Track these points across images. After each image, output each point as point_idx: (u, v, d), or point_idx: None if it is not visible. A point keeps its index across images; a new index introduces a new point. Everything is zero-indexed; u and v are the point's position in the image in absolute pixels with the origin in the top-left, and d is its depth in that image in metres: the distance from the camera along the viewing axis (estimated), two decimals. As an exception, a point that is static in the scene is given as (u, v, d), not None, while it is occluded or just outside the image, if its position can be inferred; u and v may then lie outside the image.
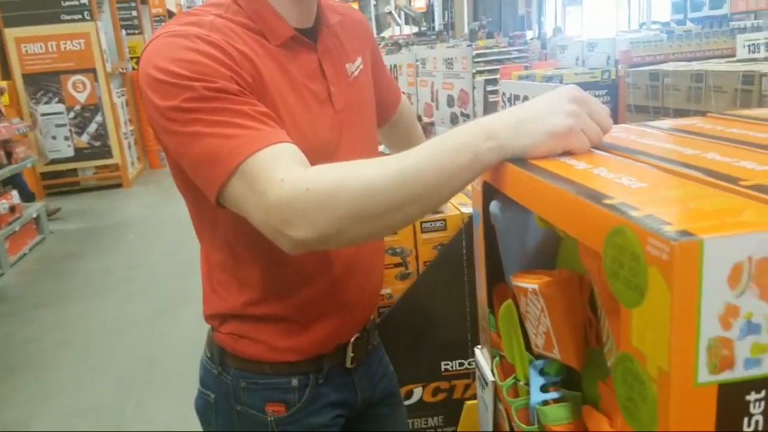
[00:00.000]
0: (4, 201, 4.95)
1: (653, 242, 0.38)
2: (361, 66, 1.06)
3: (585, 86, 2.93)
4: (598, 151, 0.63)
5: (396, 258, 1.38)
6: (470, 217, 1.31)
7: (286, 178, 0.71)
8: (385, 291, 1.38)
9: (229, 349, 1.01)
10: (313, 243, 0.71)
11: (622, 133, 0.72)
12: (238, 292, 0.98)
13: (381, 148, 1.48)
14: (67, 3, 6.91)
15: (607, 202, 0.45)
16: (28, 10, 6.79)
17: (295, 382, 1.00)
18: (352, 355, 1.05)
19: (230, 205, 0.78)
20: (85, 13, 6.97)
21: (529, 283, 0.58)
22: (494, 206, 0.68)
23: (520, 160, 0.62)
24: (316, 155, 0.77)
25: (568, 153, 0.63)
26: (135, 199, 7.10)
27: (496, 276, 0.73)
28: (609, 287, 0.44)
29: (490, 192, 0.70)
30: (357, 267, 1.03)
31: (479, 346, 0.81)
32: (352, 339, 1.05)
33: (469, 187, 0.71)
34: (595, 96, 2.29)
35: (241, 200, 0.76)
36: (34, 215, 5.49)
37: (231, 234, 0.95)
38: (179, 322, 3.54)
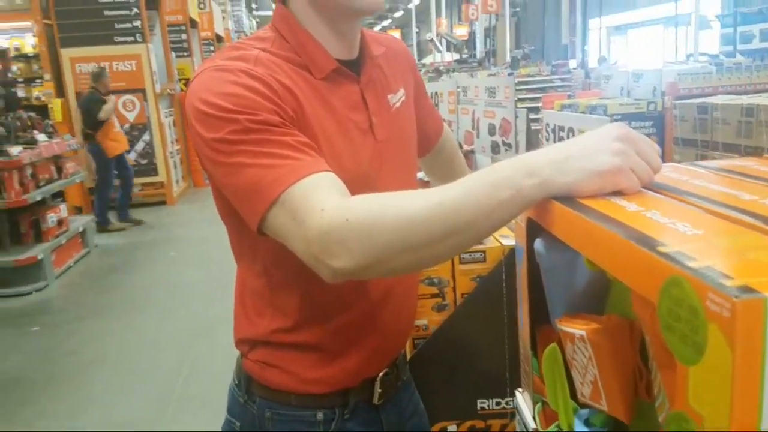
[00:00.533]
0: (52, 214, 5.11)
1: (713, 297, 0.36)
2: (404, 97, 1.06)
3: (630, 117, 2.89)
4: (649, 192, 0.61)
5: (433, 288, 1.37)
6: (511, 250, 1.29)
7: (326, 207, 0.71)
8: (421, 322, 1.36)
9: (255, 377, 1.01)
10: (353, 272, 0.71)
11: (673, 173, 0.69)
12: (270, 318, 0.99)
13: (420, 175, 1.47)
14: (121, 26, 7.18)
15: (662, 249, 0.43)
16: (84, 32, 7.08)
17: (320, 415, 0.99)
18: (380, 391, 1.03)
19: (272, 233, 0.79)
20: (137, 35, 7.23)
21: (576, 328, 0.56)
22: (539, 244, 0.66)
23: (567, 198, 0.61)
24: (357, 185, 0.78)
25: (617, 193, 0.61)
26: (178, 217, 7.25)
27: (540, 316, 0.70)
28: (663, 339, 0.42)
29: (534, 228, 0.68)
30: (390, 297, 1.02)
31: (520, 389, 0.78)
32: (381, 374, 1.03)
33: (512, 221, 0.70)
34: (640, 128, 2.25)
35: (283, 229, 0.76)
36: (81, 229, 5.65)
37: (269, 261, 0.96)
38: (216, 341, 3.57)
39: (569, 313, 0.62)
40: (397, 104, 1.04)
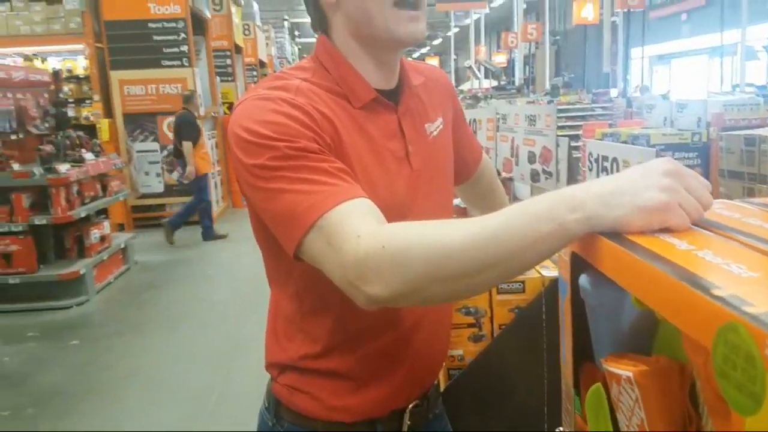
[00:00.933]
0: (95, 231, 5.24)
1: (774, 346, 0.35)
2: (441, 125, 1.07)
3: (674, 148, 2.83)
4: (700, 230, 0.60)
5: (469, 318, 1.35)
6: (552, 281, 1.27)
7: (362, 233, 0.72)
8: (456, 352, 1.34)
9: (284, 402, 1.01)
10: (388, 300, 0.71)
11: (724, 211, 0.67)
12: (300, 343, 0.99)
13: (456, 201, 1.46)
14: (169, 50, 7.41)
15: (717, 293, 0.41)
16: (133, 55, 7.33)
17: None
18: (408, 423, 1.02)
19: (308, 259, 0.80)
20: (184, 60, 7.44)
21: (622, 369, 0.54)
22: (584, 280, 0.65)
23: (615, 234, 0.60)
24: (391, 214, 0.78)
25: (665, 230, 0.59)
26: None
27: (584, 353, 0.69)
28: (717, 386, 0.40)
29: (578, 263, 0.67)
30: (422, 327, 1.01)
31: (560, 429, 0.76)
32: (410, 406, 1.02)
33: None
34: (684, 159, 2.19)
35: (319, 255, 0.77)
36: (122, 246, 5.78)
37: (302, 286, 0.96)
38: (249, 360, 3.59)
39: (615, 352, 0.60)
40: (435, 133, 1.04)
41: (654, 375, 0.53)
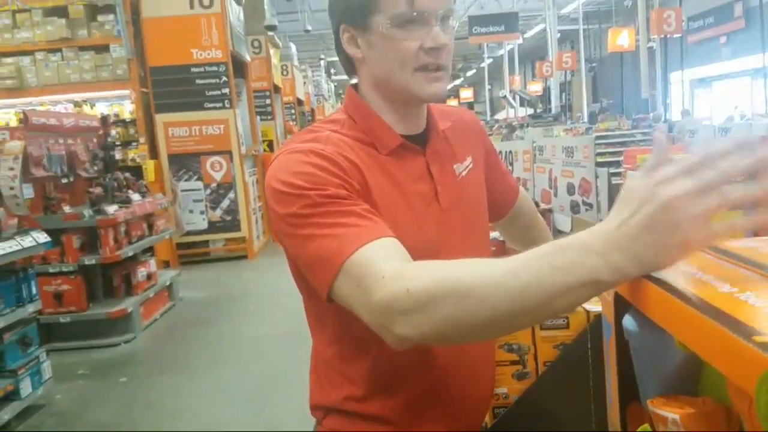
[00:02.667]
0: (142, 269, 5.39)
1: (817, 393, 0.35)
2: (471, 165, 1.08)
3: (717, 175, 2.77)
4: (742, 270, 0.60)
5: (512, 355, 1.34)
6: (596, 317, 1.26)
7: (387, 275, 0.73)
8: (501, 390, 1.33)
9: None
10: (417, 341, 0.73)
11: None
12: (341, 386, 1.00)
13: (494, 234, 1.46)
14: (211, 93, 7.65)
15: (759, 339, 0.42)
16: (176, 99, 7.60)
17: None
18: None
19: (340, 302, 0.82)
20: (226, 101, 7.68)
21: (669, 411, 0.54)
22: (628, 322, 0.65)
23: (655, 276, 0.60)
24: (422, 254, 0.80)
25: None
26: (258, 271, 7.46)
27: (630, 393, 0.69)
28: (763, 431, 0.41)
29: (622, 303, 0.67)
30: (460, 367, 1.01)
31: (609, 469, 0.76)
32: None
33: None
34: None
35: (349, 297, 0.79)
36: (168, 283, 5.91)
37: (339, 329, 0.99)
38: (292, 398, 3.59)
39: (661, 393, 0.60)
40: (464, 173, 1.06)
41: (701, 418, 0.53)
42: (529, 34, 23.17)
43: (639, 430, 0.63)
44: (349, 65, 1.02)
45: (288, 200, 0.85)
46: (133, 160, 8.08)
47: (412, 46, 0.92)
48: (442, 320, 0.69)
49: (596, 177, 2.44)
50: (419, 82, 0.93)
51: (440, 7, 0.92)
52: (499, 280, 0.66)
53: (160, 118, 7.63)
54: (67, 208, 4.97)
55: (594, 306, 1.31)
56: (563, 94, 22.76)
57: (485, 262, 0.70)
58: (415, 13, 0.90)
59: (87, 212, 4.89)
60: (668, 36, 13.21)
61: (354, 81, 1.04)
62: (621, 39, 16.06)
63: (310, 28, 16.92)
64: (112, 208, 4.99)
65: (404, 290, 0.71)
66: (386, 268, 0.74)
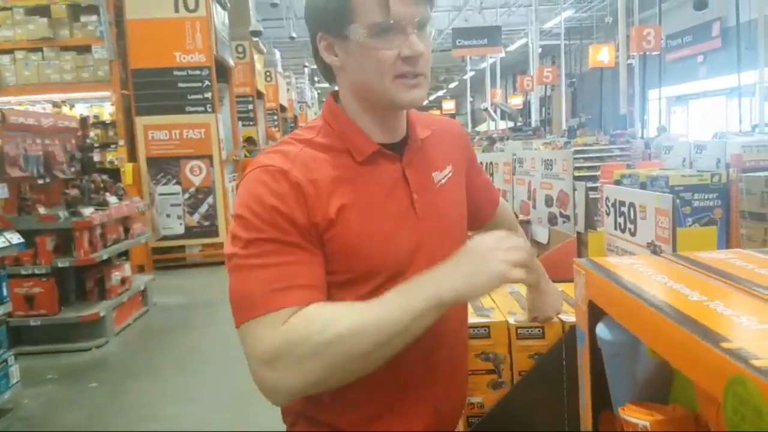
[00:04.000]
0: (117, 273, 5.31)
1: (781, 399, 0.36)
2: (451, 174, 1.09)
3: (693, 189, 2.82)
4: (712, 280, 0.61)
5: (488, 364, 1.34)
6: (571, 327, 1.27)
7: (254, 370, 0.87)
8: (476, 399, 1.33)
9: None
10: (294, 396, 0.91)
11: (738, 261, 0.69)
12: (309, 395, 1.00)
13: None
14: (193, 97, 7.60)
15: (726, 345, 0.43)
16: (158, 102, 7.53)
17: None
18: None
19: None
20: (208, 106, 7.63)
21: (639, 418, 0.55)
22: (601, 330, 0.66)
23: (629, 283, 0.61)
24: (396, 262, 0.91)
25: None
26: (234, 278, 7.39)
27: (603, 401, 0.69)
28: (729, 438, 0.41)
29: (595, 312, 0.68)
30: (438, 379, 1.03)
31: (580, 476, 0.76)
32: None
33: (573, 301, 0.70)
34: (704, 200, 2.18)
35: (243, 346, 0.90)
36: (142, 288, 5.83)
37: None
38: (263, 406, 3.56)
39: (632, 401, 0.61)
40: (443, 181, 1.06)
41: (670, 424, 0.53)
42: (511, 47, 23.42)
43: (610, 437, 0.64)
44: (328, 72, 1.02)
45: (237, 223, 0.92)
46: (111, 162, 7.98)
47: (390, 55, 0.92)
48: (325, 369, 0.84)
49: (574, 190, 2.47)
50: (398, 89, 0.93)
51: (416, 15, 0.92)
52: (357, 320, 0.83)
53: (141, 121, 7.56)
54: (42, 209, 4.89)
55: (569, 317, 1.32)
56: (543, 109, 23.02)
57: (346, 311, 0.86)
58: (391, 21, 0.90)
59: (62, 214, 4.81)
60: (647, 53, 13.44)
61: (336, 87, 1.04)
62: (601, 55, 16.31)
63: (294, 35, 16.93)
64: (88, 210, 4.92)
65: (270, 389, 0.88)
66: (263, 351, 0.86)
